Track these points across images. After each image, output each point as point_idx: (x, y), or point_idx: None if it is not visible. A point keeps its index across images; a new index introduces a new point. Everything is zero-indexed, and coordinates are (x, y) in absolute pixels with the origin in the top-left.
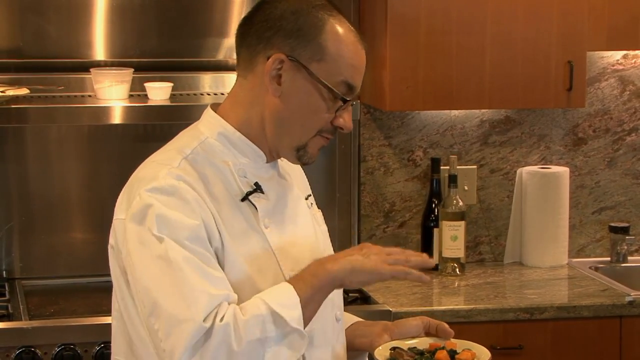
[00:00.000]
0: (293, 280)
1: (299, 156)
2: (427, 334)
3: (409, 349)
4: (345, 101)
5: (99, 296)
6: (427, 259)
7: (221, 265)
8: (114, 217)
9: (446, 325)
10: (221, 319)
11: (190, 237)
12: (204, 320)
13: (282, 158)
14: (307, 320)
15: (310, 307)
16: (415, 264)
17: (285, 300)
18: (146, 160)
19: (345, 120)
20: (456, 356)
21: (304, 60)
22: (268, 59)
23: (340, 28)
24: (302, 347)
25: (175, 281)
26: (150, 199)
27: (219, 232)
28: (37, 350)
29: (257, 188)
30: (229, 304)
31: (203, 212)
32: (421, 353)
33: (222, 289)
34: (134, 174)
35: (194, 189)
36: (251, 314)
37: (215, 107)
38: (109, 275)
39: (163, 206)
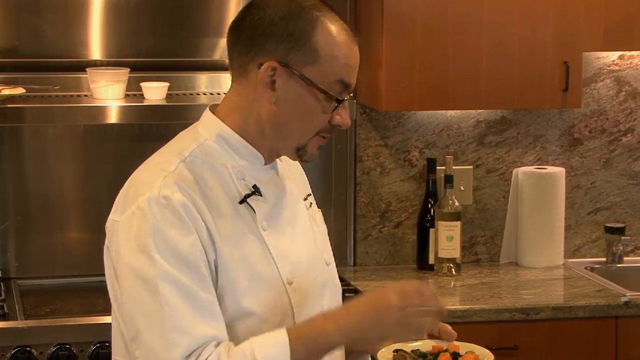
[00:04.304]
0: (292, 333)
1: (299, 155)
2: (430, 335)
3: (411, 351)
4: (340, 101)
5: (95, 296)
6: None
7: (217, 274)
8: (109, 217)
9: (449, 327)
10: None
11: (186, 255)
12: None
13: (281, 158)
14: None
15: None
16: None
17: (275, 357)
18: (145, 162)
19: (343, 117)
20: (459, 358)
21: (297, 65)
22: (260, 66)
23: (332, 27)
24: None
25: (161, 315)
26: (146, 212)
27: (213, 243)
28: (33, 350)
29: (256, 191)
30: (216, 346)
31: (196, 224)
32: (424, 355)
33: (211, 326)
34: (133, 175)
35: (190, 197)
36: None
37: (213, 108)
38: (105, 275)
39: (159, 221)
